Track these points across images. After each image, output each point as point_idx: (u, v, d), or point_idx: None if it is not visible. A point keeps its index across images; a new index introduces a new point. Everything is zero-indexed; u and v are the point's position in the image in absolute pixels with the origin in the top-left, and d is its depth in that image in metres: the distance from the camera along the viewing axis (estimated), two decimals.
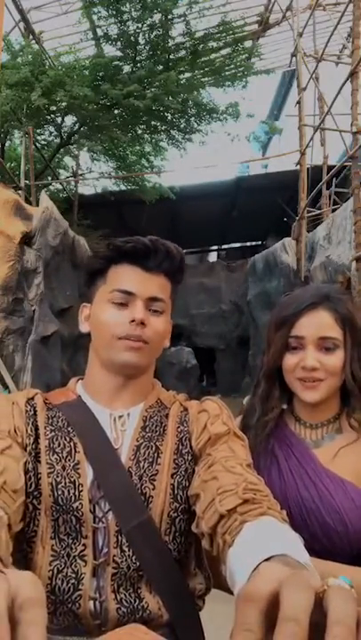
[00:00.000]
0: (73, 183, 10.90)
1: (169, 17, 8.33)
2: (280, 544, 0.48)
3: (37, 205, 6.91)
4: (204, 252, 16.03)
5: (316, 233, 6.93)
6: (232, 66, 9.61)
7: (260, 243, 14.11)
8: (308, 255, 7.09)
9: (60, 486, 0.75)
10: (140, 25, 8.42)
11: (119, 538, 0.74)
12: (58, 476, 0.75)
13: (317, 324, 0.96)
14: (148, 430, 0.82)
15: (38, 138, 9.95)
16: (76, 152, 11.00)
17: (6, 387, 5.06)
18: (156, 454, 0.79)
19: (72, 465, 0.76)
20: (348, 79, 5.22)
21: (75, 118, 9.24)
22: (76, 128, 9.49)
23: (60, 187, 11.17)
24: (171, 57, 8.95)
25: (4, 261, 5.56)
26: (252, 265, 9.99)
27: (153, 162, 11.36)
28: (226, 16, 9.07)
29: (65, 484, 0.75)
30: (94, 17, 8.49)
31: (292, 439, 1.00)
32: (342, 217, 5.78)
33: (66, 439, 0.79)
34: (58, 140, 9.97)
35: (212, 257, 15.94)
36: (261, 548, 0.47)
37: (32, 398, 0.85)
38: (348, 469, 0.92)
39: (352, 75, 5.06)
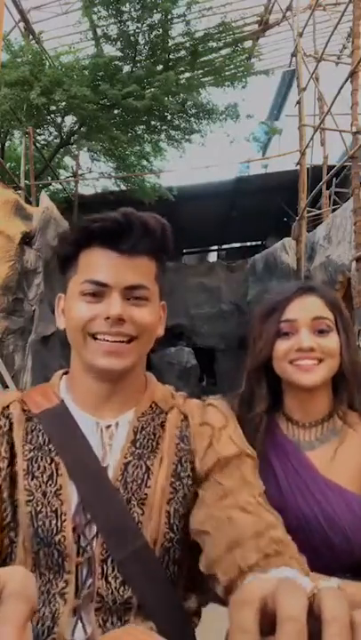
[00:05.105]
0: (73, 183, 10.89)
1: (169, 17, 8.33)
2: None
3: (37, 205, 6.91)
4: (204, 252, 16.03)
5: (316, 233, 6.93)
6: (232, 66, 9.62)
7: (260, 243, 14.09)
8: (308, 255, 7.08)
9: (40, 516, 0.67)
10: (139, 25, 8.42)
11: (104, 567, 0.67)
12: (38, 505, 0.67)
13: (310, 305, 0.93)
14: (138, 445, 0.72)
15: (38, 138, 9.95)
16: (76, 152, 11.00)
17: (6, 387, 5.06)
18: (146, 475, 0.70)
19: (54, 491, 0.68)
20: (348, 79, 5.22)
21: (74, 118, 9.24)
22: (76, 128, 9.48)
23: (60, 187, 11.16)
24: (170, 57, 8.96)
25: (4, 261, 5.56)
26: (252, 265, 10.00)
27: (152, 162, 11.36)
28: (226, 16, 9.06)
29: (46, 513, 0.67)
30: (94, 17, 8.50)
31: (287, 446, 0.95)
32: (342, 217, 5.77)
33: (47, 460, 0.70)
34: (58, 140, 9.96)
35: (212, 257, 15.94)
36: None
37: (7, 407, 0.74)
38: (347, 475, 0.90)
39: (352, 75, 5.06)
